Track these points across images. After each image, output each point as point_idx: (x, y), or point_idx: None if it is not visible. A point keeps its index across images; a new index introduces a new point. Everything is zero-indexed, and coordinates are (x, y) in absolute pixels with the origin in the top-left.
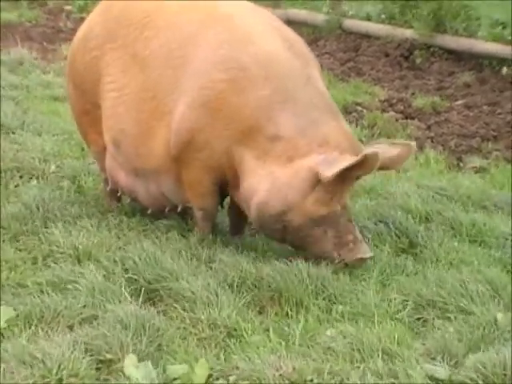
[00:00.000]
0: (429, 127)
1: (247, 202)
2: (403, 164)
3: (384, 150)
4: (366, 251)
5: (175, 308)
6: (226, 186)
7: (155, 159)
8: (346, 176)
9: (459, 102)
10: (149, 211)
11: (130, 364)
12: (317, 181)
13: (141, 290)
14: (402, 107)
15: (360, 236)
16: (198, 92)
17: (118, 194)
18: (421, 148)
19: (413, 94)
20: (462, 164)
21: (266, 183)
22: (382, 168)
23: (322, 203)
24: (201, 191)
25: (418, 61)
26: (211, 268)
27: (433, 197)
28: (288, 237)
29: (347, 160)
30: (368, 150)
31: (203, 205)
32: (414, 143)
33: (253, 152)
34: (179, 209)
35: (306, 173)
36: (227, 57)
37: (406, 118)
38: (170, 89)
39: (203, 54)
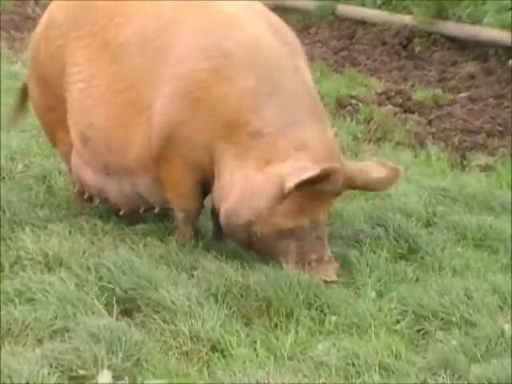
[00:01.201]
0: (430, 122)
1: (218, 205)
2: (388, 188)
3: (369, 168)
4: (329, 274)
5: (154, 319)
6: (208, 186)
7: (131, 156)
8: (313, 191)
9: (463, 95)
10: (121, 213)
11: (104, 380)
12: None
13: (116, 300)
14: (400, 100)
15: (327, 256)
16: (178, 82)
17: (85, 196)
18: (421, 145)
19: (412, 85)
20: (466, 162)
21: (238, 189)
22: (365, 188)
23: (289, 216)
24: (182, 191)
25: (418, 50)
26: (193, 276)
27: (435, 198)
28: (253, 246)
29: (308, 172)
30: (335, 164)
31: (185, 206)
32: (401, 168)
33: (234, 149)
34: (157, 210)
35: (276, 181)
36: (209, 44)
37: (405, 112)
38: (147, 80)
39: (182, 41)
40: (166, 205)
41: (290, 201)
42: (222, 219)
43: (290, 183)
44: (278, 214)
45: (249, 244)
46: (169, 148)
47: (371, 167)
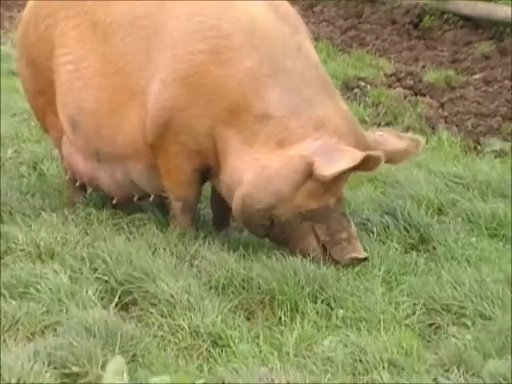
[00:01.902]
0: (442, 105)
1: (229, 192)
2: (408, 160)
3: (389, 141)
4: (360, 250)
5: (151, 313)
6: (208, 173)
7: (122, 142)
8: (344, 173)
9: (477, 76)
10: (114, 201)
11: (115, 366)
12: (310, 172)
13: (112, 293)
14: (411, 82)
15: (355, 233)
16: (174, 66)
17: (77, 184)
18: (433, 129)
19: (423, 66)
20: (479, 147)
21: (252, 172)
22: (387, 162)
23: (314, 196)
24: (180, 179)
25: (429, 29)
26: (193, 267)
27: (447, 185)
28: (272, 232)
29: (348, 159)
30: (372, 151)
31: (183, 195)
32: (422, 138)
33: (239, 134)
34: (152, 198)
35: (299, 162)
36: (206, 24)
37: (416, 94)
38: (139, 63)
39: (177, 22)
40: (161, 193)
41: (314, 181)
42: (237, 205)
43: (326, 172)
44: (301, 196)
45: (268, 230)
46: (166, 135)
47: (387, 138)
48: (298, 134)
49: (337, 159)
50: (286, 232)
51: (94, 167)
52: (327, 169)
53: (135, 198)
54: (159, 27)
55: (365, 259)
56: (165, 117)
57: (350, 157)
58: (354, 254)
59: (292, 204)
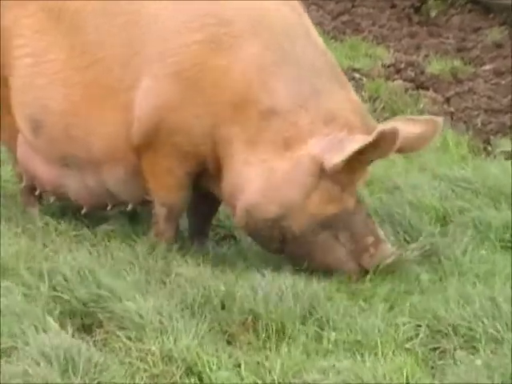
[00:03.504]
0: (447, 100)
1: (232, 201)
2: (426, 146)
3: (403, 127)
4: (389, 253)
5: (118, 337)
6: (201, 177)
7: (98, 145)
8: (359, 162)
9: (487, 67)
10: (83, 211)
11: None
12: (322, 172)
13: (73, 314)
14: (412, 74)
15: (382, 234)
16: (166, 60)
17: (37, 192)
18: None
19: (426, 56)
20: (490, 148)
21: (258, 178)
22: (399, 150)
23: (331, 200)
24: (169, 183)
25: (433, 13)
26: (165, 284)
27: (453, 190)
28: (288, 247)
29: (358, 141)
30: (385, 125)
31: (170, 200)
32: (440, 119)
33: (243, 133)
34: (130, 207)
35: (309, 164)
36: (202, 11)
37: (418, 87)
38: (119, 57)
39: (166, 11)
40: (141, 201)
41: (328, 182)
42: (242, 216)
43: (335, 159)
44: (315, 201)
45: (281, 244)
46: (157, 136)
47: (401, 127)
48: (307, 131)
49: (346, 146)
50: (303, 246)
51: (59, 173)
52: (336, 157)
53: (108, 208)
54: (141, 16)
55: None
56: (156, 116)
57: (360, 139)
58: (384, 262)
59: (305, 212)
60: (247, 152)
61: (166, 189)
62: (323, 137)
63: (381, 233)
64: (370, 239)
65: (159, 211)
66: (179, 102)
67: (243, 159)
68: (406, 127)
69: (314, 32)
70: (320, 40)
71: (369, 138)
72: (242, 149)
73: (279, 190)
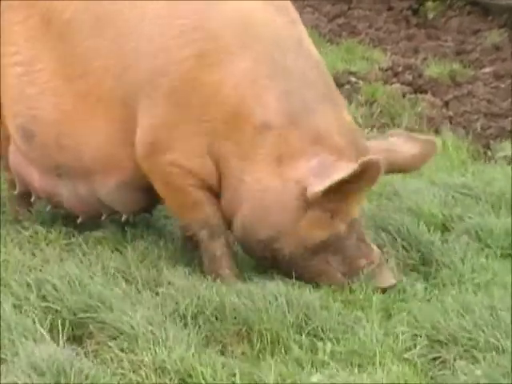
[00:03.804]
0: (446, 104)
1: (229, 217)
2: (422, 166)
3: (395, 146)
4: (386, 278)
5: (109, 348)
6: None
7: (90, 155)
8: (345, 190)
9: (486, 70)
10: (79, 220)
11: None
12: (307, 197)
13: (63, 324)
14: (410, 77)
15: (378, 257)
16: (157, 80)
17: (32, 199)
18: (436, 131)
19: (425, 59)
20: (490, 153)
21: (250, 197)
22: (394, 170)
23: (320, 225)
24: (191, 200)
25: (431, 16)
26: (157, 294)
27: (452, 197)
28: (281, 266)
29: (340, 171)
30: (368, 157)
31: (202, 218)
32: (435, 140)
33: (237, 149)
34: (124, 218)
35: (295, 189)
36: (189, 26)
37: (416, 91)
38: (112, 69)
39: (154, 27)
40: (135, 212)
41: (317, 208)
42: (238, 233)
43: (316, 188)
44: (305, 227)
45: (274, 264)
46: (156, 156)
47: (397, 144)
48: (296, 150)
49: (329, 174)
50: (296, 268)
51: (53, 182)
52: (317, 186)
53: (103, 217)
54: (132, 30)
55: (393, 286)
56: (153, 136)
57: (343, 168)
58: (378, 285)
59: (295, 237)
60: (242, 169)
61: (193, 207)
62: (310, 158)
63: (377, 256)
64: (363, 262)
65: (202, 235)
66: (174, 121)
67: (239, 177)
68: (402, 146)
69: (306, 41)
70: (313, 49)
71: (350, 169)
72: (238, 166)
73: (270, 212)
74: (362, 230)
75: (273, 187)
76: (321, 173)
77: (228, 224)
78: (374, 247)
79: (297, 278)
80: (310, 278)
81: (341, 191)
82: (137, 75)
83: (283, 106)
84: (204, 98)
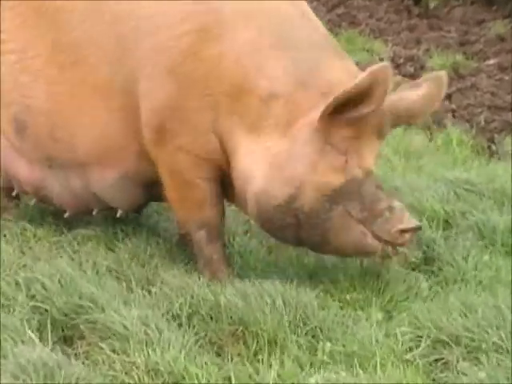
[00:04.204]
0: (449, 96)
1: (242, 195)
2: (434, 106)
3: (403, 93)
4: (408, 220)
5: (101, 349)
6: (226, 182)
7: (86, 148)
8: (359, 125)
9: (490, 62)
10: (66, 215)
11: None
12: (323, 140)
13: (52, 325)
14: (411, 69)
15: (399, 203)
16: (158, 58)
17: (14, 193)
18: (438, 125)
19: (427, 50)
20: (494, 147)
21: (263, 165)
22: (411, 117)
23: (336, 169)
24: (196, 198)
25: (433, 5)
26: (150, 293)
27: (455, 192)
28: (303, 232)
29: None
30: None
31: (204, 219)
32: (444, 74)
33: (243, 123)
34: (119, 213)
35: (307, 133)
36: (188, 1)
37: None
38: (108, 55)
39: (155, 4)
40: (131, 208)
41: (330, 151)
42: (253, 208)
43: (327, 104)
44: (322, 172)
45: (296, 231)
46: (163, 141)
47: (402, 92)
48: (306, 106)
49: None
50: (318, 226)
51: (42, 174)
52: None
53: (94, 212)
54: (130, 10)
55: (418, 229)
56: (157, 119)
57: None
58: (401, 226)
59: (313, 187)
60: (250, 141)
61: (197, 207)
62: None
63: (397, 201)
64: (383, 204)
65: (198, 237)
66: (178, 101)
67: (247, 150)
68: (410, 93)
69: (310, 14)
70: (318, 22)
71: (356, 81)
72: (245, 139)
73: (284, 170)
74: (379, 184)
75: (284, 146)
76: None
77: (243, 202)
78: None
79: (320, 244)
80: (333, 237)
81: (355, 127)
82: (137, 57)
83: (289, 73)
84: (205, 73)
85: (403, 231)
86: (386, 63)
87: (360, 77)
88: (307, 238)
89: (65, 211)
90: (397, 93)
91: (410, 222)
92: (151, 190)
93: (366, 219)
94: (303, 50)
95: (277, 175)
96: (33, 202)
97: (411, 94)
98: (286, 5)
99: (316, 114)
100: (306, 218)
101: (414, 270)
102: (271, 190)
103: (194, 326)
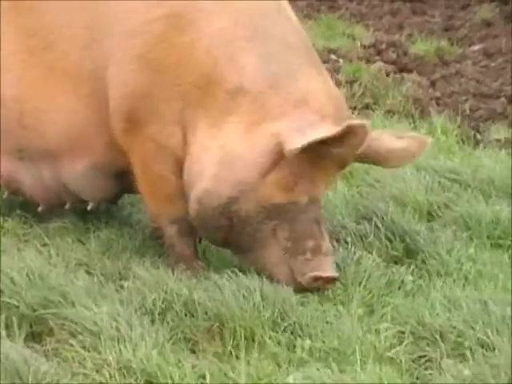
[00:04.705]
0: (433, 83)
1: (188, 191)
2: (410, 161)
3: (384, 137)
4: (328, 268)
5: (71, 346)
6: None
7: (56, 136)
8: (323, 155)
9: (476, 48)
10: (39, 208)
11: None
12: (281, 155)
13: (21, 321)
14: (394, 55)
15: (328, 248)
16: (128, 43)
17: None
18: (422, 113)
19: (410, 35)
20: (480, 136)
21: (213, 163)
22: (378, 160)
23: (282, 187)
24: (167, 192)
25: None
26: (122, 288)
27: (439, 183)
28: (233, 236)
29: (323, 130)
30: (356, 120)
31: (176, 213)
32: (428, 139)
33: (208, 116)
34: (90, 206)
35: (268, 142)
36: None
37: (401, 70)
38: (78, 40)
39: None
40: (102, 199)
41: (285, 168)
42: (193, 205)
43: (295, 143)
44: (268, 185)
45: (227, 232)
46: (133, 131)
47: (383, 135)
48: (276, 113)
49: (309, 132)
50: (248, 233)
51: (13, 167)
52: (297, 141)
53: (67, 206)
54: None
55: (334, 280)
56: (127, 107)
57: (324, 128)
58: (317, 273)
59: (256, 195)
60: (208, 136)
61: (168, 201)
62: (292, 119)
63: (326, 245)
64: (310, 243)
65: (170, 231)
66: (147, 88)
67: (202, 145)
68: (389, 140)
69: (286, 8)
70: (294, 16)
71: (336, 129)
72: (205, 133)
73: (233, 171)
74: (322, 216)
75: (239, 147)
76: (301, 129)
77: (188, 198)
78: (327, 238)
79: (243, 250)
80: (254, 248)
81: (317, 155)
82: (107, 42)
83: (261, 69)
84: (175, 61)
85: (317, 278)
86: (366, 122)
87: (341, 127)
88: (235, 242)
89: (38, 205)
90: (379, 134)
91: (328, 270)
92: (123, 181)
93: (288, 250)
94: (278, 50)
95: (225, 174)
96: (5, 195)
97: (391, 143)
98: None
99: (285, 124)
100: (239, 223)
101: (396, 263)
102: (217, 188)
103: (167, 322)
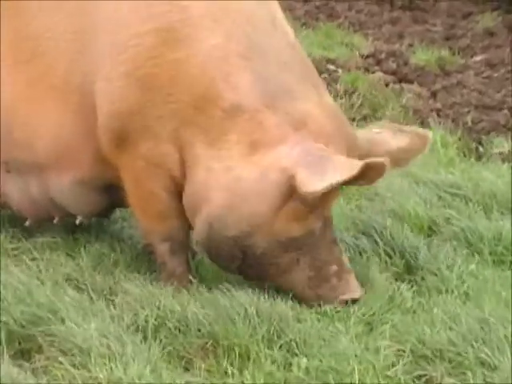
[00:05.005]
0: (434, 94)
1: (193, 212)
2: (412, 161)
3: (387, 140)
4: (354, 289)
5: (60, 363)
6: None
7: (43, 149)
8: (336, 188)
9: (478, 58)
10: (27, 223)
11: None
12: (292, 188)
13: (9, 337)
14: (394, 65)
15: (347, 264)
16: (116, 58)
17: None
18: (422, 125)
19: (410, 45)
20: (482, 149)
21: (221, 187)
22: None
23: (297, 219)
24: (158, 209)
25: None
26: (113, 304)
27: (440, 197)
28: (246, 267)
29: (341, 171)
30: (372, 159)
31: (167, 231)
32: (430, 133)
33: (204, 135)
34: (79, 220)
35: (279, 177)
36: None
37: (401, 81)
38: (66, 51)
39: (115, 1)
40: (90, 214)
41: (297, 200)
42: (202, 231)
43: (314, 187)
44: (282, 219)
45: (239, 263)
46: (124, 146)
47: (385, 137)
48: (275, 135)
49: (327, 170)
50: (264, 267)
51: (0, 180)
52: (315, 183)
53: (55, 220)
54: (91, 5)
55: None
56: (114, 123)
57: (344, 167)
58: (345, 296)
59: (270, 231)
60: (209, 156)
61: (159, 218)
62: (294, 144)
63: (346, 261)
64: (333, 268)
65: (161, 249)
66: (137, 106)
67: (206, 166)
68: (392, 141)
69: (281, 20)
70: (290, 30)
71: (354, 170)
72: (204, 153)
73: (246, 203)
74: (333, 232)
75: (249, 176)
76: (312, 164)
77: (191, 220)
78: (343, 252)
79: (260, 279)
80: (275, 280)
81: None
82: (95, 55)
83: (257, 87)
84: (168, 78)
85: (347, 301)
86: (385, 159)
87: (359, 166)
88: (249, 273)
89: (26, 219)
90: (380, 131)
91: (355, 291)
92: (112, 195)
93: (313, 279)
94: (274, 66)
95: (237, 207)
96: None
97: (392, 142)
98: (257, 8)
99: (290, 153)
100: (253, 257)
101: (396, 279)
102: (227, 219)
103: (160, 340)
